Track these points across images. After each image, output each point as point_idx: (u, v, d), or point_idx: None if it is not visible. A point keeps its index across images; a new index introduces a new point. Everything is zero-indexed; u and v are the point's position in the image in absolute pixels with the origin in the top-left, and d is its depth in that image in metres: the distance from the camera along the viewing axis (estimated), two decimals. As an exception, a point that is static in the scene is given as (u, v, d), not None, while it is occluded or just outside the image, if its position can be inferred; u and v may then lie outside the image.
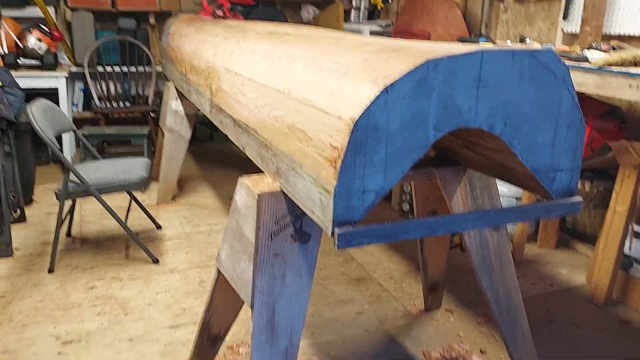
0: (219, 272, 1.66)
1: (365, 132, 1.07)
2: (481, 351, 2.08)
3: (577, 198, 1.30)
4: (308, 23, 5.17)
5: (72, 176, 2.47)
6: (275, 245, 1.40)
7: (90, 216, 3.24)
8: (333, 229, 1.10)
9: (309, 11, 5.20)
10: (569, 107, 1.24)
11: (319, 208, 1.17)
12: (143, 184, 2.61)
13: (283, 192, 1.40)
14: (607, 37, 2.63)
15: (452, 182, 1.68)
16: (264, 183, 1.44)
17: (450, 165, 1.66)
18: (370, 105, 1.06)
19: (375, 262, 2.78)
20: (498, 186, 1.80)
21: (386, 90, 1.06)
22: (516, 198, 2.91)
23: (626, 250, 2.32)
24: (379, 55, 1.22)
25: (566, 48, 2.36)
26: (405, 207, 3.40)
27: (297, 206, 1.37)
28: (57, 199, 2.47)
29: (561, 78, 1.21)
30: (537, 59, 1.17)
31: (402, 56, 1.15)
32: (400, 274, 2.66)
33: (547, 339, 2.16)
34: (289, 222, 1.41)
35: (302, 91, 1.35)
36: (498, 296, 1.79)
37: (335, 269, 2.68)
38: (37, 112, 2.41)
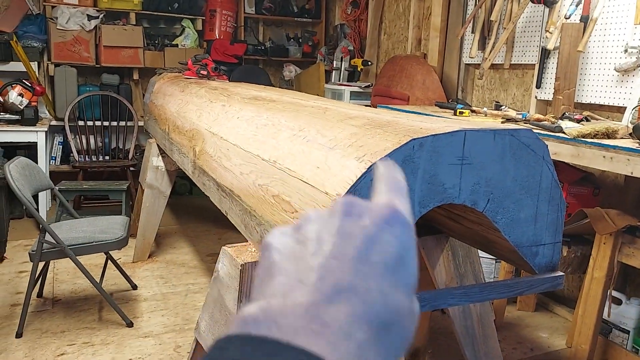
0: (197, 343, 1.61)
1: (352, 208, 1.07)
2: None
3: (559, 272, 1.31)
4: (289, 81, 5.28)
5: (47, 235, 2.41)
6: (258, 317, 1.37)
7: (63, 274, 3.14)
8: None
9: (290, 70, 5.32)
10: (549, 183, 1.27)
11: (305, 283, 1.15)
12: (121, 244, 2.56)
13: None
14: (579, 105, 2.74)
15: (435, 250, 1.69)
16: (248, 252, 1.43)
17: (432, 233, 1.67)
18: (357, 182, 1.07)
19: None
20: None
21: (372, 167, 1.08)
22: (495, 260, 2.93)
23: (605, 316, 2.33)
24: (365, 131, 1.25)
25: (541, 116, 2.44)
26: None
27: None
28: (31, 259, 2.40)
29: (541, 156, 1.24)
30: (517, 137, 1.21)
31: (388, 133, 1.18)
32: (382, 338, 2.61)
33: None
34: (273, 293, 1.39)
35: (288, 162, 1.36)
36: (482, 366, 1.77)
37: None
38: (15, 171, 2.37)
